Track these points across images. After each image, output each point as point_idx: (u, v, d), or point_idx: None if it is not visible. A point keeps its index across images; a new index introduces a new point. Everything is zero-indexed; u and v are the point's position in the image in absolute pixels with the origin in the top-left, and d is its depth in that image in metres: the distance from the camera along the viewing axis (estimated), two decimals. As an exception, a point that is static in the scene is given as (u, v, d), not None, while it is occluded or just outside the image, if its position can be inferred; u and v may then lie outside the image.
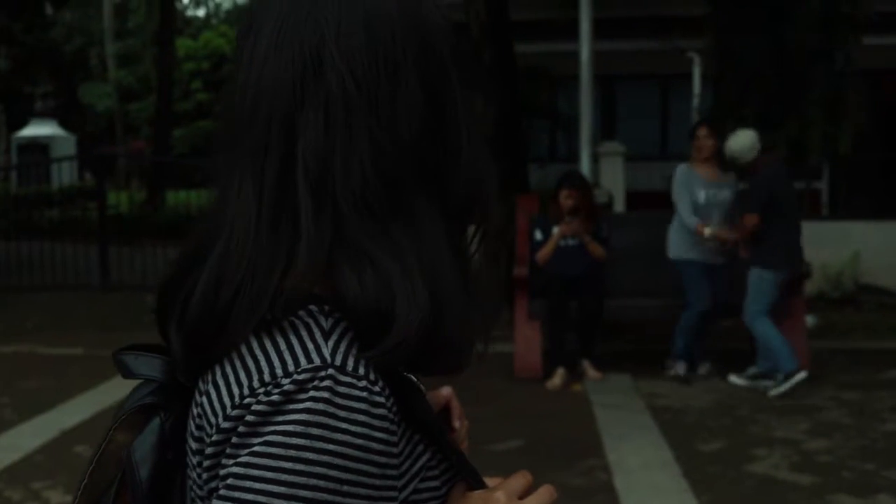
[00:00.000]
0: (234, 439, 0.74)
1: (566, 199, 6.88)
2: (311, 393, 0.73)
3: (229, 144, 0.84)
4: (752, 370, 6.65)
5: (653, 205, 10.79)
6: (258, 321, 0.77)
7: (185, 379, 0.84)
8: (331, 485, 0.72)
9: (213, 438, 0.77)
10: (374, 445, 0.74)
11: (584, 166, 9.58)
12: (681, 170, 6.91)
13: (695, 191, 6.74)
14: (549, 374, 6.74)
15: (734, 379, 6.64)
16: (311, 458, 0.71)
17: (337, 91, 0.79)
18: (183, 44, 31.99)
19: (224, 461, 0.75)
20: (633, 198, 11.52)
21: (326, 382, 0.73)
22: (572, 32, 9.88)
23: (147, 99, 28.58)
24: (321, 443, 0.72)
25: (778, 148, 10.13)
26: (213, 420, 0.78)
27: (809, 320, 6.94)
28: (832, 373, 6.96)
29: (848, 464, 5.00)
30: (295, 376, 0.74)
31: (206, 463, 0.78)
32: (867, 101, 11.51)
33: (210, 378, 0.80)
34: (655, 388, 6.61)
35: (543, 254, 6.86)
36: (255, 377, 0.76)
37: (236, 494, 0.72)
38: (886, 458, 5.07)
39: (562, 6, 10.84)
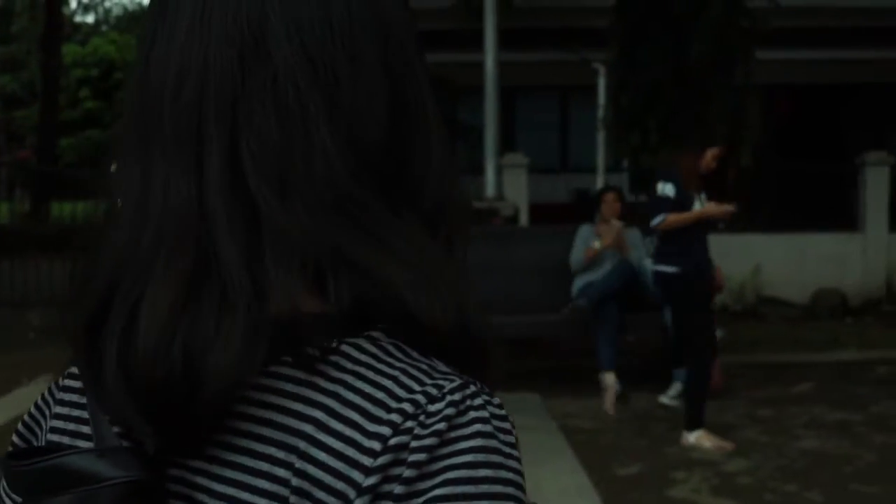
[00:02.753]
0: (397, 489, 0.58)
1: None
2: (472, 414, 0.61)
3: (138, 140, 0.68)
4: (677, 388, 6.55)
5: (556, 217, 10.70)
6: (299, 356, 0.62)
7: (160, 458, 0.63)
8: None
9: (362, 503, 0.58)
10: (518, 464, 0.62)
11: (490, 178, 9.41)
12: (584, 229, 7.20)
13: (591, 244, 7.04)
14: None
15: (665, 400, 6.51)
16: (500, 492, 0.59)
17: (286, 70, 0.66)
18: (71, 50, 31.06)
19: None
20: (536, 210, 11.39)
21: (479, 400, 0.62)
22: (477, 43, 9.71)
23: (33, 106, 27.55)
24: (505, 472, 0.60)
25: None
26: (340, 487, 0.59)
27: (718, 333, 6.88)
28: (743, 388, 6.89)
29: (769, 485, 4.88)
30: (449, 397, 0.61)
31: None
32: (764, 114, 11.68)
33: (248, 445, 0.62)
34: (566, 407, 6.42)
35: None
36: (383, 420, 0.60)
37: None
38: (806, 478, 4.97)
39: (467, 17, 10.66)
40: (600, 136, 11.66)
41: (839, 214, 11.37)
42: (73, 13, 36.46)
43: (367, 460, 0.59)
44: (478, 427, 0.60)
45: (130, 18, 37.87)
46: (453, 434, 0.59)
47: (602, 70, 11.80)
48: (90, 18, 39.21)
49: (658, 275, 5.87)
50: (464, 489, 0.58)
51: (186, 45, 0.68)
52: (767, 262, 10.70)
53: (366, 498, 0.58)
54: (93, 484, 0.61)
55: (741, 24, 9.99)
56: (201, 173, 0.65)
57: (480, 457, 0.59)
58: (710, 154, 5.84)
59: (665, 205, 5.69)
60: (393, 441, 0.59)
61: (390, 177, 0.68)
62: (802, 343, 8.67)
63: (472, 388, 0.62)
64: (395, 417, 0.60)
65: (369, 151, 0.68)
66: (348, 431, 0.60)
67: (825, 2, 12.87)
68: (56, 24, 19.46)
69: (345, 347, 0.63)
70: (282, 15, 0.68)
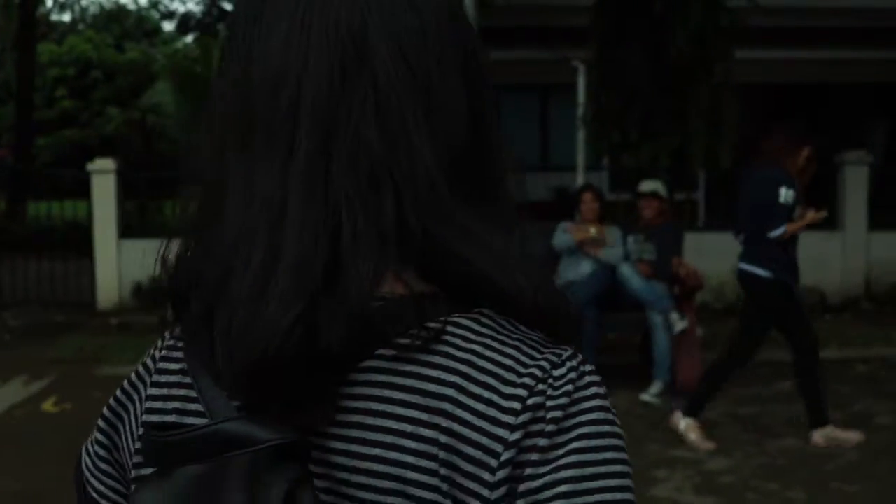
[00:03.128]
0: (541, 442, 0.67)
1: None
2: (587, 378, 0.71)
3: (239, 140, 0.74)
4: (658, 386, 6.54)
5: (536, 215, 10.59)
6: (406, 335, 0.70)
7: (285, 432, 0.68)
8: (629, 468, 0.70)
9: (506, 457, 0.67)
10: None
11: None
12: (562, 226, 7.17)
13: (572, 247, 7.01)
14: None
15: (646, 398, 6.49)
16: (618, 444, 0.70)
17: (386, 74, 0.73)
18: (47, 48, 30.77)
19: (530, 471, 0.67)
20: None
21: (588, 366, 0.72)
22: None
23: (9, 105, 27.30)
24: (617, 427, 0.70)
25: (660, 159, 10.19)
26: (487, 443, 0.67)
27: (698, 332, 6.88)
28: (725, 386, 6.85)
29: (751, 484, 4.86)
30: (568, 363, 0.71)
31: (500, 491, 0.67)
32: (742, 114, 11.68)
33: (374, 420, 0.69)
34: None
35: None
36: (517, 383, 0.69)
37: (596, 499, 0.67)
38: (789, 476, 4.95)
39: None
40: (580, 135, 11.62)
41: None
42: (49, 12, 36.12)
43: (509, 418, 0.67)
44: (594, 389, 0.70)
45: (107, 17, 37.58)
46: (578, 395, 0.69)
47: (582, 68, 11.77)
48: (66, 17, 38.84)
49: (751, 278, 5.69)
50: (595, 442, 0.68)
51: (286, 49, 0.73)
52: (747, 261, 10.69)
53: (512, 451, 0.67)
54: (250, 447, 0.67)
55: (720, 23, 9.98)
56: (287, 172, 0.71)
57: (601, 414, 0.69)
58: (804, 154, 5.67)
59: (785, 213, 5.52)
60: (530, 402, 0.68)
61: (473, 175, 0.76)
62: (782, 341, 8.64)
63: (580, 356, 0.72)
64: (527, 381, 0.68)
65: (457, 152, 0.74)
66: (486, 394, 0.68)
67: (804, 2, 12.90)
68: (31, 22, 19.27)
69: (466, 321, 0.71)
70: (380, 23, 0.73)
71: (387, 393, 0.69)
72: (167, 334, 0.84)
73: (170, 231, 0.81)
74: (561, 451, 0.67)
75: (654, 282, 6.78)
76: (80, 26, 37.51)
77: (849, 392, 6.76)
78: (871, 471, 5.05)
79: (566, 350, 0.72)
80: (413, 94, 0.73)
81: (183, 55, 28.90)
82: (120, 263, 10.62)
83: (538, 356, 0.70)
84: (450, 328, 0.71)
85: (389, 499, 0.68)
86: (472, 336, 0.71)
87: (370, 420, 0.69)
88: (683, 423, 5.51)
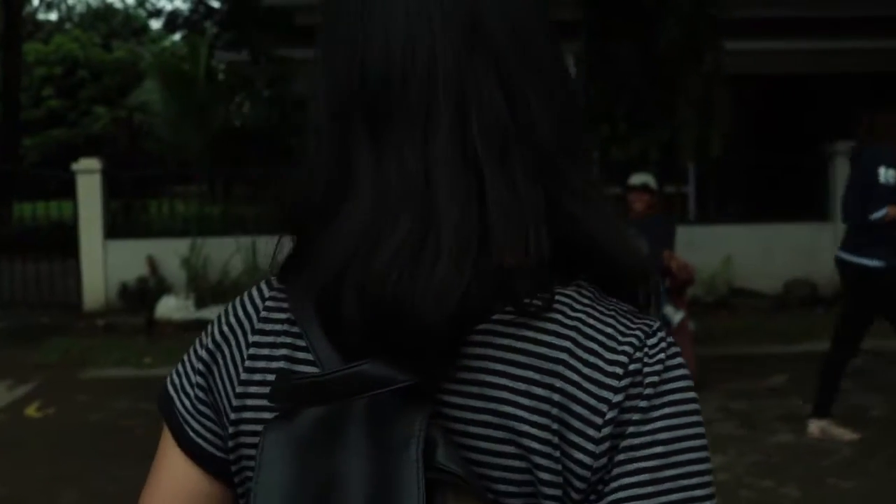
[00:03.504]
0: (641, 404, 0.75)
1: None
2: (673, 349, 0.78)
3: (363, 120, 0.79)
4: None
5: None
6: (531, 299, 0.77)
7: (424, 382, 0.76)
8: (704, 428, 0.78)
9: (610, 416, 0.75)
10: None
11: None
12: None
13: None
14: None
15: None
16: (698, 408, 0.78)
17: (503, 48, 0.79)
18: (33, 48, 30.56)
19: (632, 441, 0.75)
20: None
21: (671, 338, 0.80)
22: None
23: (-7, 106, 27.07)
24: (694, 393, 0.78)
25: (650, 151, 10.10)
26: (594, 403, 0.76)
27: (690, 325, 6.78)
28: (717, 381, 6.79)
29: (745, 481, 4.78)
30: (658, 334, 0.79)
31: (600, 448, 0.75)
32: (733, 105, 11.61)
33: (492, 377, 0.77)
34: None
35: None
36: (618, 350, 0.77)
37: (684, 458, 0.75)
38: (782, 473, 4.88)
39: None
40: (569, 129, 11.54)
41: (809, 205, 11.33)
42: (36, 11, 35.90)
43: (613, 382, 0.75)
44: (679, 359, 0.78)
45: (94, 16, 37.35)
46: (669, 363, 0.77)
47: (571, 61, 11.68)
48: (53, 16, 38.60)
49: (857, 268, 5.33)
50: (684, 407, 0.76)
51: (409, 27, 0.78)
52: (738, 254, 10.63)
53: (615, 411, 0.74)
54: (387, 386, 0.73)
55: (709, 12, 9.89)
56: (426, 146, 0.76)
57: (686, 382, 0.77)
58: None
59: (887, 194, 5.11)
60: (631, 367, 0.76)
61: (574, 135, 0.82)
62: (775, 334, 8.61)
63: (664, 328, 0.80)
64: (627, 349, 0.76)
65: (562, 119, 0.80)
66: (592, 359, 0.76)
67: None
68: (16, 22, 19.10)
69: (570, 291, 0.79)
70: (494, 6, 0.80)
71: (502, 354, 0.77)
72: (264, 286, 0.89)
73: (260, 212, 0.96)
74: (657, 414, 0.75)
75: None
76: (68, 25, 37.28)
77: (842, 385, 6.68)
78: (866, 466, 4.98)
79: (654, 321, 0.79)
80: (527, 65, 0.80)
81: (171, 53, 28.77)
82: (106, 264, 10.51)
83: (633, 326, 0.78)
84: (558, 297, 0.78)
85: (503, 447, 0.76)
86: (577, 305, 0.79)
87: (487, 377, 0.76)
88: (818, 426, 5.39)
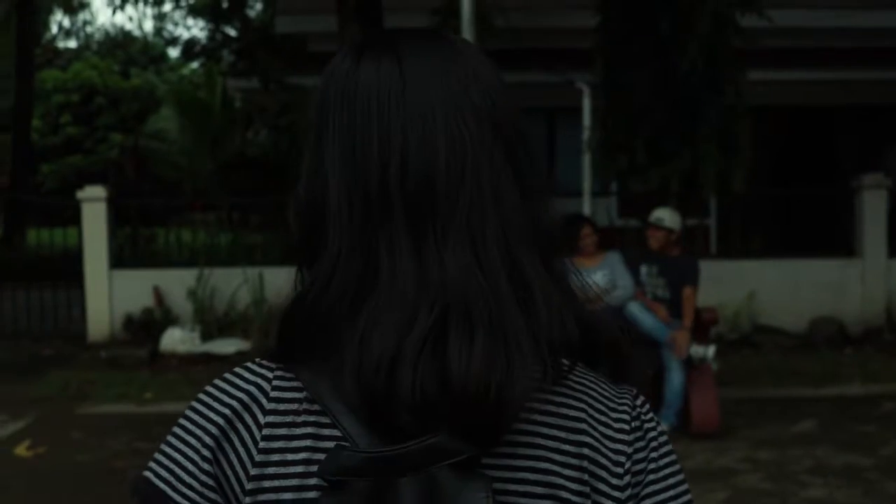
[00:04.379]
0: (651, 454, 0.89)
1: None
2: (648, 405, 0.93)
3: (406, 223, 0.83)
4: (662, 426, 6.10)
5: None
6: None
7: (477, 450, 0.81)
8: None
9: (628, 465, 0.88)
10: None
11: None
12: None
13: None
14: None
15: None
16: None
17: (512, 146, 0.87)
18: (51, 75, 30.66)
19: (651, 488, 0.88)
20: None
21: (644, 397, 0.93)
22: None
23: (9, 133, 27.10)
24: None
25: (669, 183, 9.79)
26: (613, 456, 0.87)
27: (713, 365, 6.41)
28: (742, 427, 6.44)
29: (774, 542, 4.42)
30: (640, 397, 0.93)
31: (624, 494, 0.87)
32: (756, 137, 11.30)
33: (532, 438, 0.85)
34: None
35: None
36: (619, 410, 0.90)
37: (683, 498, 0.90)
38: (815, 532, 4.52)
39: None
40: (586, 160, 11.24)
41: (836, 240, 10.97)
42: (55, 38, 36.05)
43: (624, 436, 0.88)
44: (654, 415, 0.93)
45: (113, 43, 37.46)
46: (655, 419, 0.93)
47: (587, 91, 11.42)
48: (72, 44, 38.74)
49: None
50: (675, 456, 0.92)
51: (448, 127, 0.84)
52: (762, 290, 10.27)
53: (630, 462, 0.88)
54: (449, 458, 0.78)
55: (731, 42, 9.61)
56: (475, 245, 0.82)
57: (666, 435, 0.93)
58: None
59: None
60: (633, 424, 0.90)
61: (550, 231, 0.90)
62: (801, 375, 8.24)
63: (635, 389, 0.94)
64: (626, 408, 0.90)
65: (543, 213, 0.89)
66: (604, 419, 0.88)
67: (818, 22, 12.53)
68: (29, 50, 19.04)
69: (569, 363, 0.89)
70: (502, 103, 0.89)
71: (531, 417, 0.84)
72: (256, 367, 0.88)
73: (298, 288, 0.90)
74: (664, 462, 0.89)
75: (673, 321, 6.38)
76: (88, 53, 37.40)
77: (874, 431, 6.33)
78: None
79: (632, 388, 0.92)
80: (530, 167, 0.88)
81: (188, 81, 28.74)
82: (111, 294, 10.26)
83: (622, 390, 0.91)
84: (571, 370, 0.88)
85: (543, 501, 0.83)
86: (579, 375, 0.89)
87: (523, 438, 0.84)
88: None
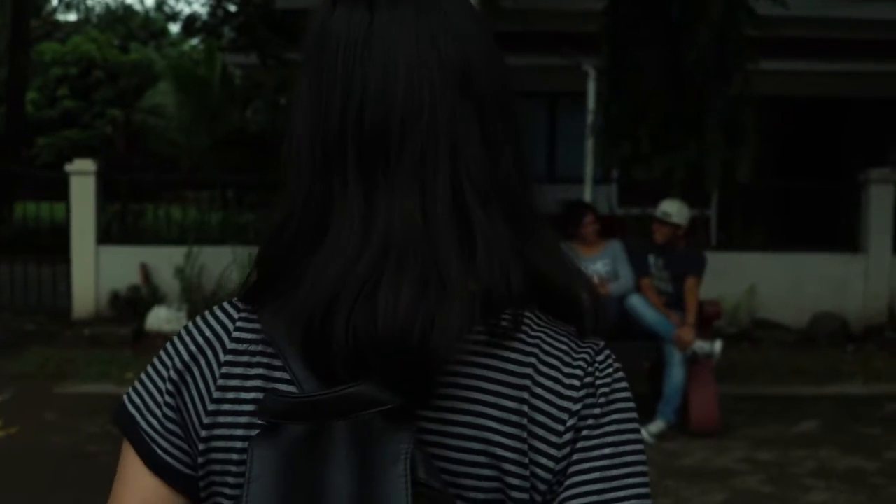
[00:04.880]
0: (595, 411, 0.86)
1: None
2: (616, 364, 0.90)
3: (359, 170, 0.85)
4: (660, 426, 5.88)
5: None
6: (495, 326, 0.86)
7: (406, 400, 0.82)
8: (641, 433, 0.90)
9: (570, 423, 0.85)
10: None
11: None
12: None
13: None
14: None
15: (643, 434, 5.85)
16: (636, 415, 0.89)
17: (484, 102, 0.88)
18: (50, 48, 30.41)
19: (586, 443, 0.84)
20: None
21: (609, 352, 0.91)
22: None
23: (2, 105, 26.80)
24: (633, 401, 0.89)
25: (674, 172, 9.54)
26: (556, 413, 0.85)
27: (714, 360, 6.16)
28: (741, 426, 6.21)
29: (775, 549, 4.20)
30: (604, 351, 0.90)
31: (561, 452, 0.84)
32: (761, 128, 11.04)
33: (466, 391, 0.85)
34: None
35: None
36: (573, 365, 0.87)
37: (624, 459, 0.85)
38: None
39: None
40: (589, 146, 10.99)
41: (840, 234, 10.72)
42: (54, 11, 35.70)
43: (572, 393, 0.86)
44: (621, 374, 0.90)
45: (113, 17, 37.10)
46: (616, 375, 0.89)
47: (592, 74, 11.15)
48: (73, 17, 38.38)
49: None
50: (629, 415, 0.88)
51: (410, 77, 0.85)
52: (763, 283, 10.04)
53: (574, 419, 0.85)
54: (379, 406, 0.79)
55: (742, 29, 9.34)
56: (424, 190, 0.84)
57: (628, 393, 0.89)
58: None
59: None
60: (586, 380, 0.87)
61: (531, 190, 0.92)
62: (802, 373, 8.01)
63: (606, 346, 0.92)
64: (581, 364, 0.88)
65: (525, 167, 0.91)
66: (553, 373, 0.87)
67: (827, 12, 12.26)
68: (23, 23, 18.74)
69: (528, 314, 0.89)
70: (479, 58, 0.89)
71: (474, 371, 0.85)
72: (229, 308, 0.93)
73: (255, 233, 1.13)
74: (606, 420, 0.86)
75: (672, 312, 6.13)
76: (87, 27, 37.04)
77: (878, 434, 6.10)
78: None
79: (598, 342, 0.91)
80: (499, 118, 0.89)
81: (188, 57, 28.44)
82: (98, 270, 10.02)
83: (582, 345, 0.89)
84: (523, 320, 0.87)
85: (477, 457, 0.84)
86: (536, 328, 0.89)
87: (461, 392, 0.85)
88: None
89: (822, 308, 9.92)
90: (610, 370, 0.88)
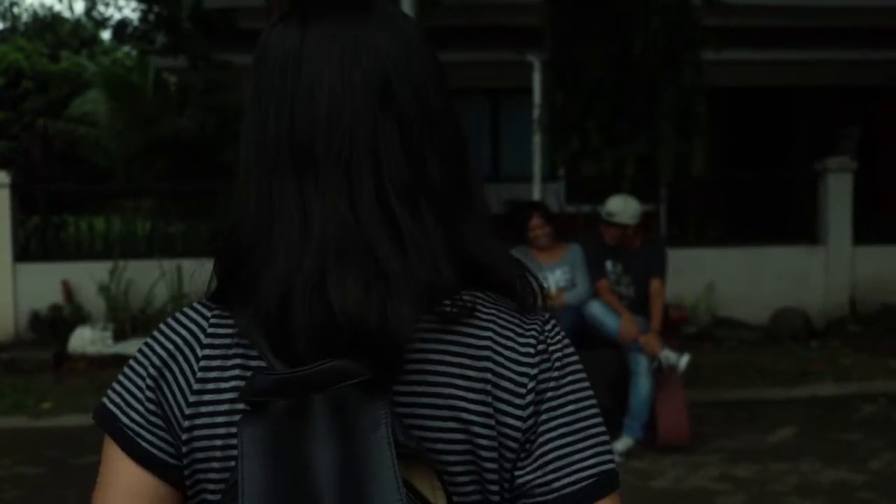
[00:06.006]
0: (554, 374, 0.96)
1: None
2: (562, 332, 1.00)
3: (293, 175, 0.94)
4: (627, 443, 5.39)
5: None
6: (444, 312, 0.94)
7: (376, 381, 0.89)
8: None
9: (531, 386, 0.95)
10: None
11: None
12: (517, 254, 5.82)
13: None
14: None
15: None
16: (585, 374, 0.99)
17: (406, 114, 0.96)
18: (-27, 57, 29.24)
19: (550, 403, 0.95)
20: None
21: (555, 321, 1.01)
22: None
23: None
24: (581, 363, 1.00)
25: (624, 166, 9.10)
26: (517, 378, 0.95)
27: (682, 364, 5.67)
28: (713, 437, 5.76)
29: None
30: (551, 321, 1.00)
31: (526, 412, 0.94)
32: (712, 119, 10.68)
33: (431, 367, 0.94)
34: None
35: None
36: (526, 335, 0.97)
37: (584, 413, 0.96)
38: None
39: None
40: (536, 142, 10.52)
41: (797, 226, 10.37)
42: (-21, 19, 34.51)
43: (529, 359, 0.96)
44: (567, 340, 1.00)
45: (41, 26, 35.99)
46: (564, 342, 0.99)
47: (537, 66, 10.69)
48: (-1, 25, 37.13)
49: None
50: (581, 374, 0.98)
51: (333, 87, 0.94)
52: (721, 280, 9.65)
53: (534, 382, 0.95)
54: (351, 379, 0.87)
55: (693, 16, 8.94)
56: (352, 195, 0.92)
57: (576, 355, 0.99)
58: None
59: None
60: (539, 347, 0.97)
61: (462, 183, 0.99)
62: (768, 374, 7.60)
63: (548, 314, 1.02)
64: (533, 333, 0.97)
65: (456, 169, 0.99)
66: (510, 343, 0.96)
67: (777, 0, 11.96)
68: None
69: (479, 295, 0.98)
70: (399, 71, 0.96)
71: (438, 347, 0.94)
72: (200, 308, 1.00)
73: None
74: (565, 381, 0.96)
75: (637, 318, 5.64)
76: (14, 36, 35.89)
77: (859, 440, 5.69)
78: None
79: (544, 314, 1.00)
80: (425, 126, 0.96)
81: (120, 64, 27.57)
82: (16, 290, 9.31)
83: (530, 318, 0.99)
84: (472, 301, 0.96)
85: (448, 423, 0.93)
86: (488, 306, 0.98)
87: (429, 367, 0.93)
88: None
89: (782, 303, 9.56)
90: (559, 337, 0.98)
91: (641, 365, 5.43)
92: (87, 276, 9.14)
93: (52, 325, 9.12)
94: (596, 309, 5.57)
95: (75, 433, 6.09)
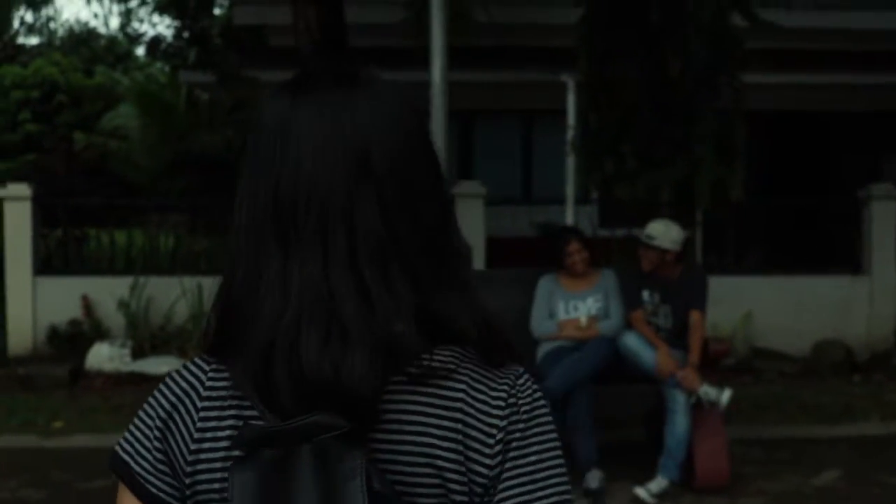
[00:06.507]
0: (520, 426, 1.01)
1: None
2: (534, 386, 1.06)
3: (276, 239, 1.01)
4: (662, 484, 5.07)
5: (516, 253, 9.29)
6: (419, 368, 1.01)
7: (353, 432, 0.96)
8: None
9: (499, 437, 1.00)
10: None
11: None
12: (545, 283, 5.74)
13: (554, 303, 5.65)
14: None
15: (641, 493, 5.03)
16: (553, 427, 1.05)
17: (383, 184, 1.02)
18: (10, 71, 29.53)
19: (514, 453, 1.00)
20: (494, 245, 9.92)
21: (530, 377, 1.06)
22: (425, 61, 8.25)
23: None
24: (550, 416, 1.06)
25: (660, 191, 8.80)
26: (487, 429, 1.00)
27: (724, 399, 5.33)
28: (754, 478, 5.42)
29: None
30: (524, 376, 1.05)
31: (494, 461, 1.00)
32: (752, 143, 10.34)
33: (404, 419, 1.00)
34: None
35: None
36: (498, 390, 1.03)
37: (547, 464, 1.02)
38: None
39: (418, 33, 9.19)
40: (569, 164, 10.24)
41: (839, 255, 10.00)
42: (16, 34, 34.84)
43: (499, 412, 1.01)
44: (539, 394, 1.05)
45: (76, 41, 36.26)
46: (535, 395, 1.04)
47: (571, 86, 10.42)
48: (35, 40, 37.50)
49: None
50: (548, 427, 1.03)
51: (314, 161, 1.01)
52: (759, 309, 9.31)
53: (502, 433, 1.00)
54: (332, 431, 0.94)
55: (734, 36, 8.64)
56: (326, 260, 0.99)
57: (546, 409, 1.05)
58: None
59: None
60: (510, 401, 1.02)
61: (441, 248, 1.06)
62: (811, 410, 7.25)
63: (525, 370, 1.07)
64: (505, 387, 1.03)
65: (437, 237, 1.05)
66: (482, 397, 1.02)
67: (818, 23, 11.62)
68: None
69: (452, 352, 1.03)
70: (379, 144, 1.03)
71: (415, 398, 1.00)
72: (200, 362, 1.08)
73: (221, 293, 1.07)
74: (530, 433, 1.01)
75: (674, 351, 5.33)
76: (50, 50, 36.20)
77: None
78: None
79: (517, 368, 1.06)
80: (402, 194, 1.02)
81: (154, 80, 27.65)
82: (35, 304, 9.14)
83: (504, 372, 1.04)
84: (448, 357, 1.02)
85: (423, 469, 0.99)
86: (464, 362, 1.03)
87: (406, 417, 0.99)
88: None
89: (823, 335, 9.20)
90: (529, 391, 1.04)
91: (679, 402, 5.11)
92: (108, 292, 8.96)
93: (71, 339, 8.93)
94: (631, 341, 5.27)
95: (85, 455, 5.86)
